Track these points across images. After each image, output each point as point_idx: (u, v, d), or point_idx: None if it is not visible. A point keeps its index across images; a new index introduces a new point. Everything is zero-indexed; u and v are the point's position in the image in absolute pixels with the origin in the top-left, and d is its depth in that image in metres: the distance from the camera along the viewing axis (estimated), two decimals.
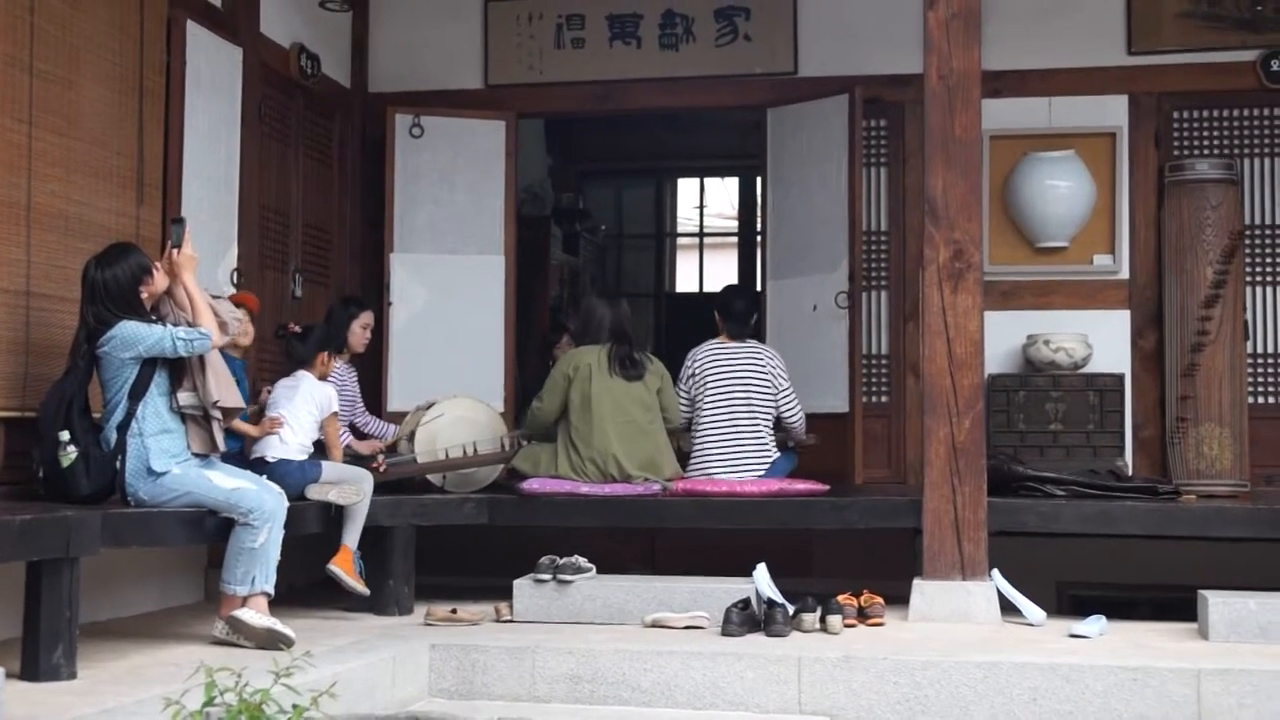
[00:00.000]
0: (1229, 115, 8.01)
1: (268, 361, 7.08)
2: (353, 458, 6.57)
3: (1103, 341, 7.84)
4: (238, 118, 7.05)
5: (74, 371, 5.10)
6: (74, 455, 4.97)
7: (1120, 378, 7.77)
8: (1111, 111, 8.05)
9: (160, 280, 5.22)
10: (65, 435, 4.99)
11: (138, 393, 5.05)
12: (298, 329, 6.32)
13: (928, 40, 6.10)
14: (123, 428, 5.02)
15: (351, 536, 5.96)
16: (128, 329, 5.02)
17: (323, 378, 6.24)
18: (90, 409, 5.13)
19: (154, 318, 5.17)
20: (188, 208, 6.52)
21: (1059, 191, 7.93)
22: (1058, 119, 8.05)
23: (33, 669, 4.37)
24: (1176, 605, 5.98)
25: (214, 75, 6.81)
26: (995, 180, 7.99)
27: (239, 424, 5.77)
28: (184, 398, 5.16)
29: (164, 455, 5.04)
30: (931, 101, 6.09)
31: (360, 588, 5.99)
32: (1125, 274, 8.01)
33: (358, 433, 7.03)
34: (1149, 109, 8.03)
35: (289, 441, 5.99)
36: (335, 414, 6.21)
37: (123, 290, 5.07)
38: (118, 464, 5.03)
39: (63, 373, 5.17)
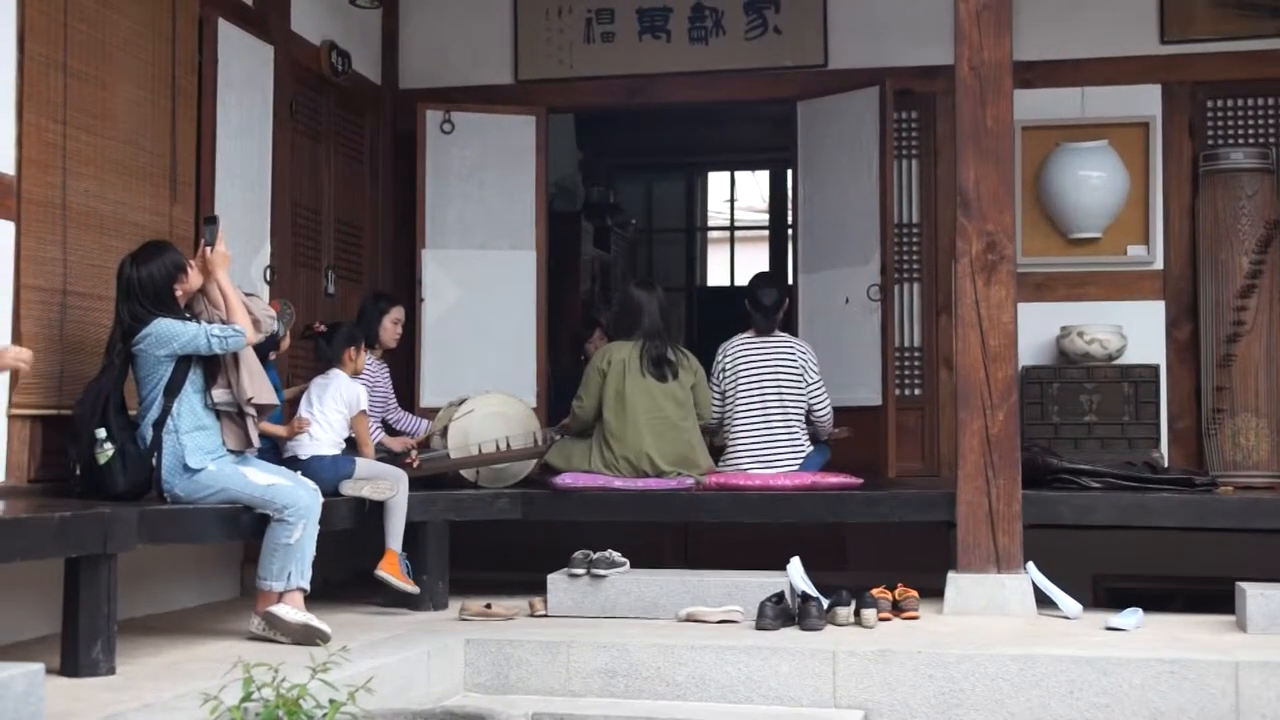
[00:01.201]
0: (1263, 104, 7.94)
1: (301, 359, 7.11)
2: (385, 454, 6.59)
3: (1137, 333, 7.79)
4: (269, 115, 7.08)
5: (110, 369, 5.14)
6: (110, 452, 5.00)
7: (1155, 369, 7.73)
8: (1145, 101, 8.00)
9: (194, 278, 5.25)
10: (102, 433, 5.02)
11: (173, 390, 5.08)
12: (323, 328, 6.35)
13: (959, 31, 6.07)
14: (158, 425, 5.05)
15: (395, 539, 5.98)
16: (162, 326, 5.04)
17: (355, 374, 6.26)
18: (126, 406, 5.16)
19: (188, 315, 5.19)
20: (220, 206, 6.55)
21: (1092, 182, 7.89)
22: (1090, 109, 8.00)
23: (72, 664, 4.40)
24: (1214, 598, 5.95)
25: (246, 73, 6.84)
26: (1028, 171, 7.96)
27: (268, 426, 5.79)
28: (218, 395, 5.19)
29: (199, 452, 5.07)
30: (963, 92, 6.06)
31: (410, 588, 6.01)
32: (1159, 264, 7.96)
33: (390, 429, 7.05)
34: (1183, 98, 7.97)
35: (320, 438, 6.01)
36: (364, 412, 6.22)
37: (157, 288, 5.10)
38: (153, 461, 5.06)
39: (99, 370, 5.20)
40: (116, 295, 5.16)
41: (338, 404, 6.09)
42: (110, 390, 5.10)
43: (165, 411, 5.06)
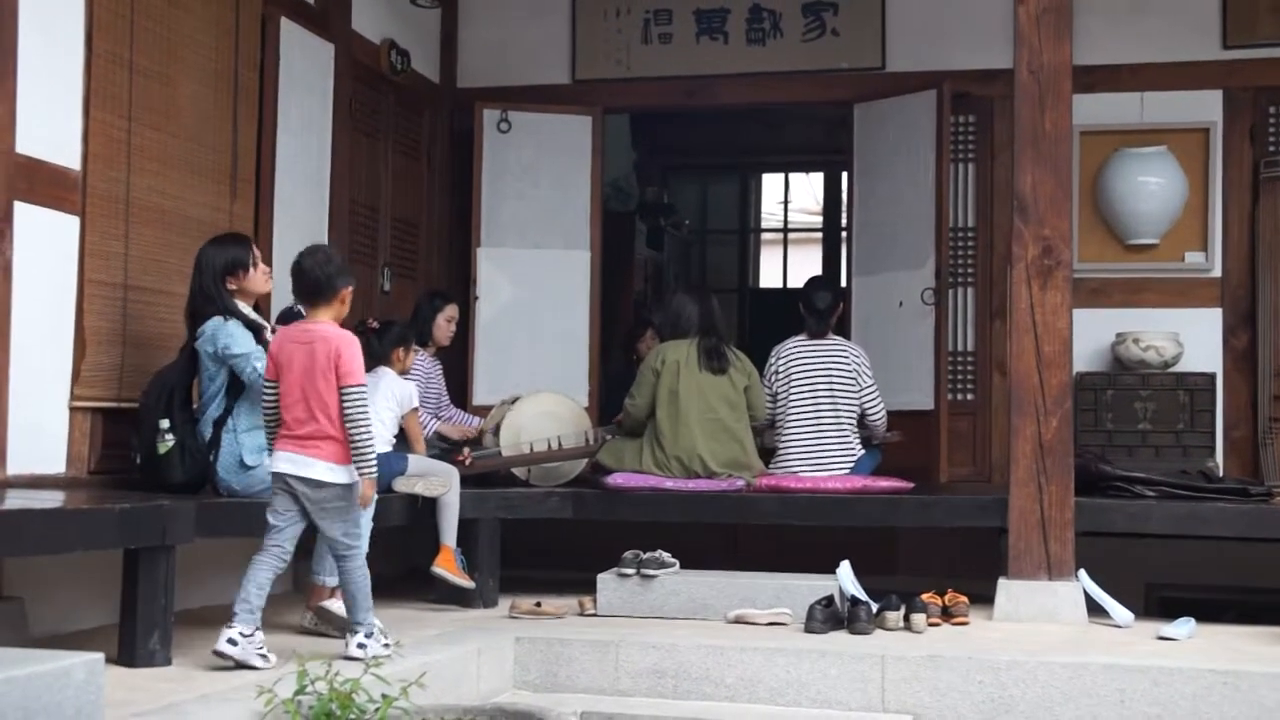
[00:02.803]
0: None
1: None
2: (441, 443, 6.63)
3: (1194, 340, 7.73)
4: (329, 113, 7.15)
5: (177, 362, 5.22)
6: (171, 444, 5.08)
7: (1211, 377, 7.66)
8: (1205, 106, 7.93)
9: (259, 281, 5.30)
10: (165, 423, 5.10)
11: (234, 390, 5.14)
12: (376, 325, 6.39)
13: (1018, 34, 6.04)
14: (219, 424, 5.11)
15: (449, 535, 6.00)
16: (214, 325, 5.09)
17: (403, 373, 6.30)
18: (191, 400, 5.23)
19: (251, 319, 5.22)
20: (280, 202, 6.63)
21: (1150, 188, 7.83)
22: (1150, 114, 7.94)
23: (129, 655, 4.47)
24: (1268, 608, 5.90)
25: (306, 71, 6.91)
26: (1085, 176, 7.91)
27: None
28: None
29: (257, 450, 5.12)
30: (1022, 96, 6.03)
31: (466, 583, 6.03)
32: (1218, 272, 7.90)
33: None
34: (1244, 104, 7.90)
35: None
36: (416, 410, 6.25)
37: (213, 272, 5.16)
38: (211, 458, 5.12)
39: (171, 362, 5.29)
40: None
41: (389, 402, 6.12)
42: (176, 382, 5.18)
43: (226, 411, 5.13)
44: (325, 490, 4.52)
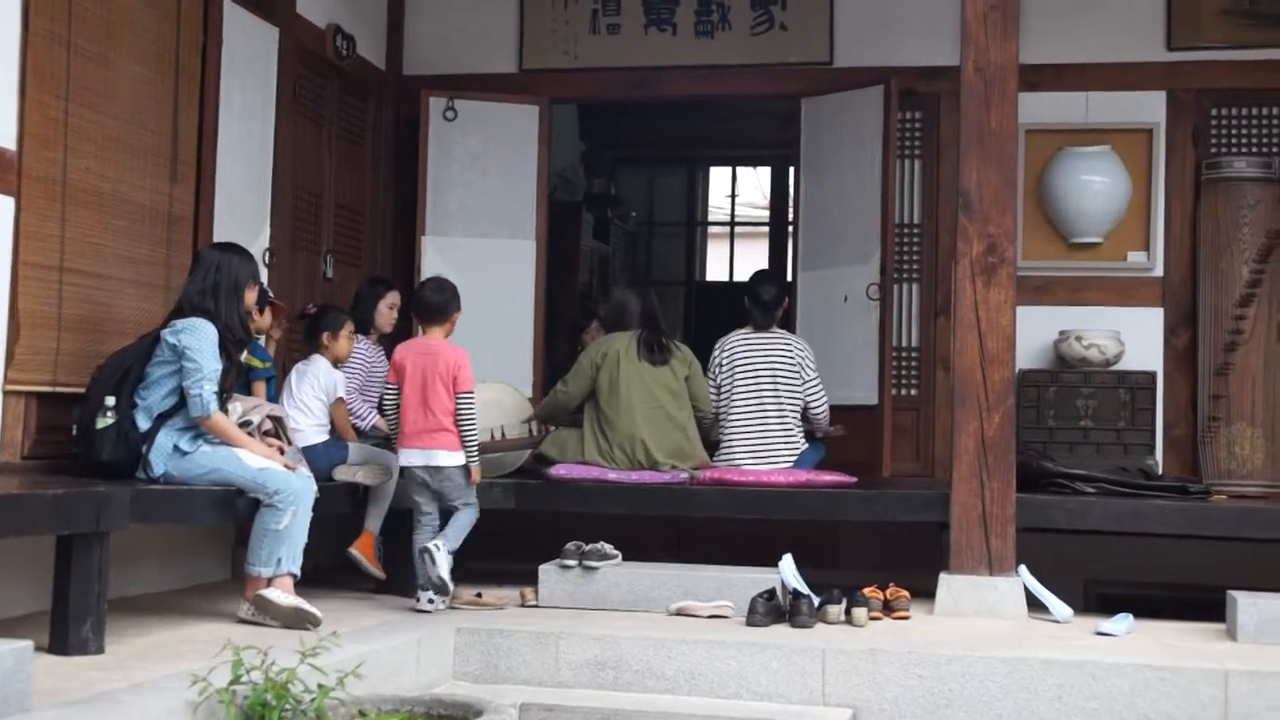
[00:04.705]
0: (1268, 113, 7.93)
1: (297, 342, 7.09)
2: (384, 437, 6.58)
3: (1135, 339, 7.79)
4: (273, 98, 7.06)
5: (137, 345, 5.17)
6: (110, 422, 5.01)
7: (1152, 375, 7.72)
8: (1149, 107, 7.99)
9: (253, 294, 5.35)
10: (111, 400, 5.03)
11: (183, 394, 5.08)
12: (314, 309, 6.45)
13: (965, 32, 6.06)
14: (164, 417, 5.05)
15: (374, 521, 5.98)
16: (198, 327, 5.04)
17: (336, 359, 6.27)
18: (144, 383, 5.14)
19: (240, 337, 5.27)
20: (221, 186, 6.55)
21: (1094, 187, 7.88)
22: (1095, 114, 7.99)
23: (61, 643, 4.39)
24: (1205, 605, 5.95)
25: (250, 55, 6.82)
26: (1030, 175, 7.94)
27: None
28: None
29: (194, 439, 5.09)
30: (968, 94, 6.05)
31: (376, 572, 6.03)
32: (1159, 271, 7.96)
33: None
34: (1187, 105, 7.97)
35: (304, 429, 6.02)
36: (341, 399, 6.23)
37: (235, 280, 5.21)
38: (145, 448, 5.04)
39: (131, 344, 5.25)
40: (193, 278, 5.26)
41: (315, 390, 6.13)
42: (133, 364, 5.11)
43: (173, 410, 5.07)
44: (446, 470, 5.68)
